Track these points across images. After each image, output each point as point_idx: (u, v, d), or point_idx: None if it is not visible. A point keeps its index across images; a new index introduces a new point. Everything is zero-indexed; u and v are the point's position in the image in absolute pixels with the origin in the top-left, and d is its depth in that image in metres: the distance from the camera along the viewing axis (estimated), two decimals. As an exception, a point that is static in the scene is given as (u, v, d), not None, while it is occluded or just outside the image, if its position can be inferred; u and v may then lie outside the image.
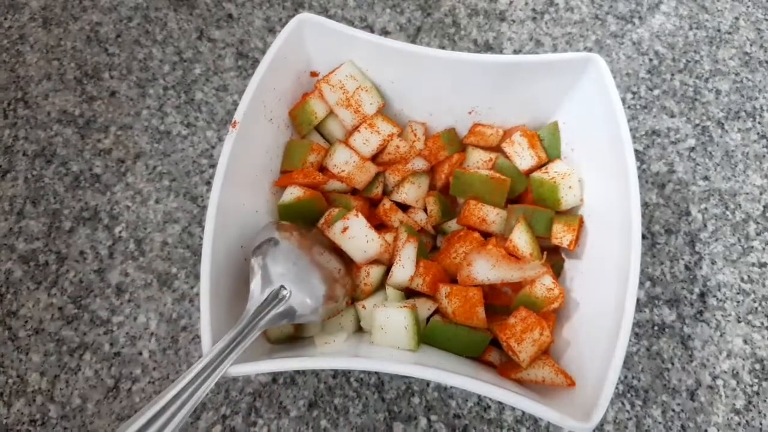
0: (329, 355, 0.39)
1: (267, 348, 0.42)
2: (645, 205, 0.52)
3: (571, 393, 0.37)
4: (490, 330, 0.41)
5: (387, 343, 0.40)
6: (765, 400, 0.46)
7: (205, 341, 0.37)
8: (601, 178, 0.43)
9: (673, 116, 0.56)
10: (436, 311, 0.43)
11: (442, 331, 0.41)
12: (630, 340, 0.47)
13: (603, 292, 0.39)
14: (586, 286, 0.42)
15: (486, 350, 0.41)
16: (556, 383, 0.38)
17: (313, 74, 0.48)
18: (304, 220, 0.45)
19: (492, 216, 0.45)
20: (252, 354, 0.38)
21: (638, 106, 0.56)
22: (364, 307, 0.43)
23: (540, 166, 0.46)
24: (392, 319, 0.40)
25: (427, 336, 0.41)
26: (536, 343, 0.39)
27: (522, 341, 0.39)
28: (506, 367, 0.40)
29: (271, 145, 0.46)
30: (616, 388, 0.45)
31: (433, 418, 0.45)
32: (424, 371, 0.34)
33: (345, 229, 0.43)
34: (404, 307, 0.40)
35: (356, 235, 0.43)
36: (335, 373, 0.47)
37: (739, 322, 0.48)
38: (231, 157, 0.41)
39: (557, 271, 0.44)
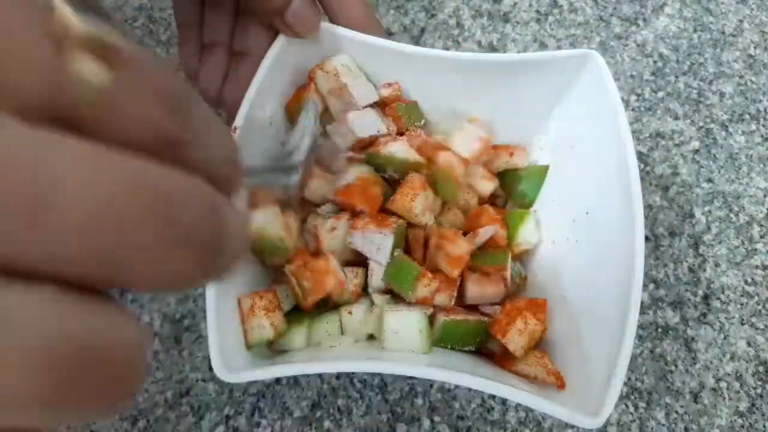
0: (350, 359, 0.39)
1: (270, 353, 0.42)
2: (649, 207, 0.52)
3: (580, 390, 0.37)
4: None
5: (400, 347, 0.40)
6: (769, 403, 0.46)
7: (212, 340, 0.37)
8: (601, 176, 0.43)
9: (677, 118, 0.56)
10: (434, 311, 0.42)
11: (455, 331, 0.41)
12: (633, 342, 0.47)
13: (607, 289, 0.39)
14: (590, 284, 0.42)
15: (486, 340, 0.42)
16: (547, 382, 0.38)
17: (311, 78, 0.48)
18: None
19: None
20: (257, 360, 0.38)
21: (642, 108, 0.56)
22: (350, 312, 0.42)
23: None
24: (406, 323, 0.39)
25: (440, 338, 0.41)
26: (524, 332, 0.39)
27: (506, 333, 0.39)
28: (503, 358, 0.40)
29: (270, 147, 0.46)
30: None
31: (437, 419, 0.45)
32: (449, 375, 0.34)
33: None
34: (416, 310, 0.40)
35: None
36: (339, 375, 0.47)
37: (743, 324, 0.48)
38: None
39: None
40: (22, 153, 0.12)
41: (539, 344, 0.41)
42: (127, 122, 0.14)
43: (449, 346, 0.41)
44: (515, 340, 0.39)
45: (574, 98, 0.44)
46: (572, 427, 0.45)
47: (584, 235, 0.44)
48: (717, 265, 0.50)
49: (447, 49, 0.59)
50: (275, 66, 0.44)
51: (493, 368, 0.40)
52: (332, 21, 0.44)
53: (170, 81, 0.16)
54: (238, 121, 0.42)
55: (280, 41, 0.44)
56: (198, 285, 0.15)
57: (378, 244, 0.41)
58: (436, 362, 0.38)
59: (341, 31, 0.44)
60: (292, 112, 0.47)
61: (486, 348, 0.42)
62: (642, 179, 0.40)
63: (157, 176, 0.14)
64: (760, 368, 0.47)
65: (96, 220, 0.13)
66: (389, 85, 0.48)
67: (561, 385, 0.38)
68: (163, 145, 0.15)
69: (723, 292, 0.49)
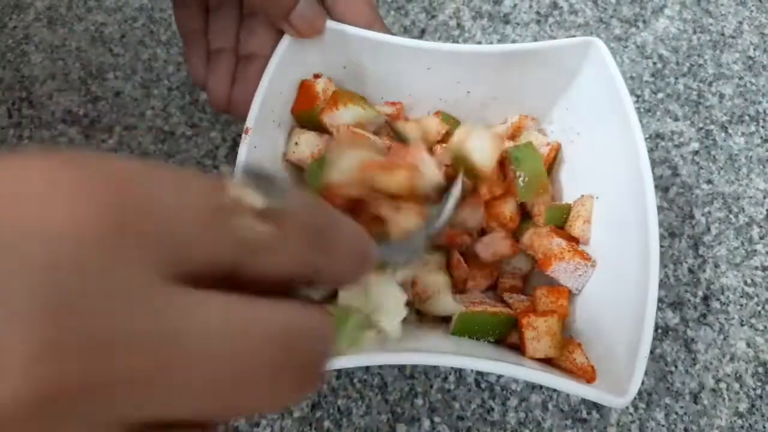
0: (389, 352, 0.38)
1: None
2: (648, 208, 0.52)
3: (605, 370, 0.37)
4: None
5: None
6: (768, 404, 0.46)
7: None
8: (610, 160, 0.43)
9: (677, 120, 0.56)
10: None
11: (472, 322, 0.41)
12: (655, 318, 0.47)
13: (625, 269, 0.39)
14: (607, 266, 0.42)
15: (508, 333, 0.42)
16: (577, 375, 0.38)
17: (317, 76, 0.48)
18: None
19: None
20: None
21: (642, 110, 0.56)
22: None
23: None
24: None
25: (459, 329, 0.41)
26: (540, 338, 0.39)
27: (525, 348, 0.39)
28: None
29: (280, 148, 0.46)
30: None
31: (437, 419, 0.45)
32: (468, 361, 0.34)
33: None
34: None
35: None
36: (339, 374, 0.47)
37: (743, 325, 0.48)
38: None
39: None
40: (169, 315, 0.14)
41: (565, 331, 0.41)
42: (280, 265, 0.17)
43: (468, 337, 0.41)
44: (536, 347, 0.39)
45: (580, 85, 0.45)
46: (572, 427, 0.45)
47: (596, 219, 0.44)
48: (717, 266, 0.50)
49: (447, 50, 0.59)
50: (282, 66, 0.44)
51: (516, 356, 0.40)
52: (336, 19, 0.44)
53: (317, 217, 0.18)
54: (249, 122, 0.42)
55: (286, 41, 0.44)
56: (298, 403, 0.18)
57: (579, 274, 0.41)
58: (458, 350, 0.38)
59: (346, 28, 0.45)
60: (300, 117, 0.47)
61: (513, 342, 0.42)
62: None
63: (284, 322, 0.16)
64: (760, 369, 0.47)
65: (231, 369, 0.15)
66: (392, 104, 0.48)
67: (591, 378, 0.37)
68: (304, 273, 0.18)
69: (723, 293, 0.49)
